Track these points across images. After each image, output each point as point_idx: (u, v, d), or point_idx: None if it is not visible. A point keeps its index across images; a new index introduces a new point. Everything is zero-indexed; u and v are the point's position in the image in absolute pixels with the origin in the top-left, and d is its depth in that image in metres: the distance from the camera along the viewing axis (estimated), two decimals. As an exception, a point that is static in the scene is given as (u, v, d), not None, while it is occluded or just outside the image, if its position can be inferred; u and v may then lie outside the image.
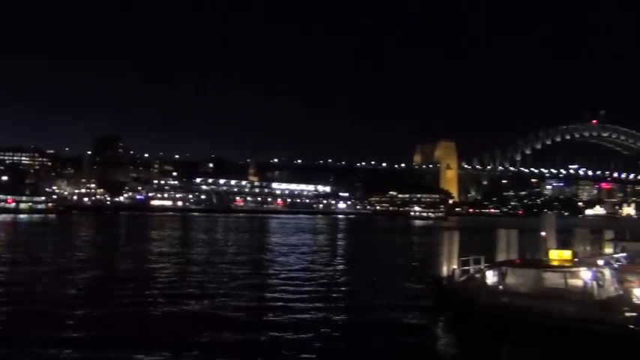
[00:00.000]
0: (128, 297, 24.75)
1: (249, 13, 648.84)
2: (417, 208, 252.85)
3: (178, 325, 19.61)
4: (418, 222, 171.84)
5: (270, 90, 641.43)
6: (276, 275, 33.69)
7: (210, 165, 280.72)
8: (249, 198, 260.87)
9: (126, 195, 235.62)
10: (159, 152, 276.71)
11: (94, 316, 20.85)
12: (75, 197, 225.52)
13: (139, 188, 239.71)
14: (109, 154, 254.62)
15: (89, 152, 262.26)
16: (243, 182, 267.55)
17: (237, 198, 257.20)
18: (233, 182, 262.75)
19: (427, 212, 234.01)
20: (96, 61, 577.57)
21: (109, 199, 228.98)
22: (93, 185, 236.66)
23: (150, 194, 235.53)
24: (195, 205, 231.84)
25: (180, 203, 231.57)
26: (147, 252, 47.53)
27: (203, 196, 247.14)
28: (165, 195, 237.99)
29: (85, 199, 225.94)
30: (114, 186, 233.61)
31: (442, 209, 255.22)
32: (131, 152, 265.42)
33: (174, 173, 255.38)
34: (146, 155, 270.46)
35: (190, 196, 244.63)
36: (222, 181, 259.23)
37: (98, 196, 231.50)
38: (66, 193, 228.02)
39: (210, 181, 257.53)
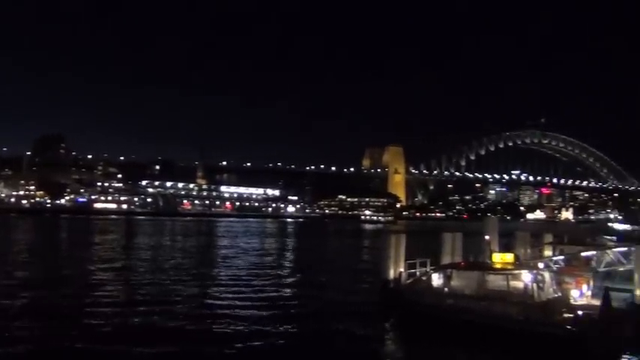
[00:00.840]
0: (66, 306, 23.71)
1: (195, 13, 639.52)
2: (367, 212, 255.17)
3: (120, 336, 18.94)
4: (368, 226, 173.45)
5: (219, 92, 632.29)
6: (223, 281, 33.18)
7: (157, 167, 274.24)
8: (196, 201, 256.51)
9: (67, 197, 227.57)
10: (103, 154, 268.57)
11: (29, 327, 19.76)
12: (13, 199, 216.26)
13: (82, 190, 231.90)
14: (50, 155, 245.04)
15: (29, 153, 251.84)
16: (191, 185, 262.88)
17: (185, 201, 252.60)
18: (180, 185, 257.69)
19: (377, 216, 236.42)
20: (37, 60, 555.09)
21: (49, 201, 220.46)
22: (32, 187, 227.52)
23: (93, 197, 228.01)
24: (140, 209, 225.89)
25: (124, 206, 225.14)
26: (87, 257, 45.81)
27: (149, 199, 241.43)
28: (109, 198, 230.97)
29: (24, 201, 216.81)
30: (55, 188, 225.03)
31: (391, 213, 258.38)
32: (73, 153, 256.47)
33: (119, 175, 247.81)
34: (89, 157, 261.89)
35: (136, 199, 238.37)
36: (169, 184, 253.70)
37: (38, 199, 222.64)
38: (3, 195, 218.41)
39: (156, 183, 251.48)
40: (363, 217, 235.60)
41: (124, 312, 22.72)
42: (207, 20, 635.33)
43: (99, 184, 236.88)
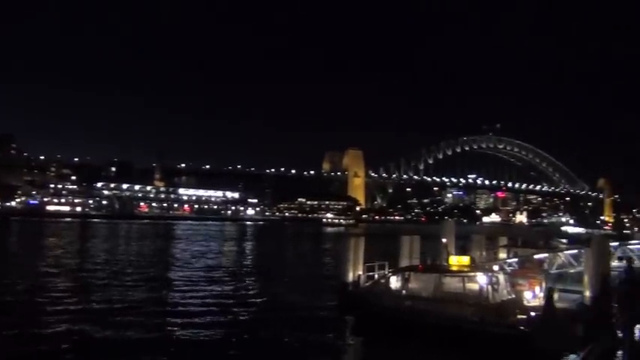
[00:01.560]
0: (10, 314, 22.75)
1: (154, 11, 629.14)
2: (329, 215, 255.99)
3: (68, 346, 18.16)
4: (330, 229, 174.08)
5: (178, 92, 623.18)
6: (178, 286, 32.51)
7: (113, 169, 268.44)
8: (154, 204, 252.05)
9: (19, 199, 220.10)
10: (56, 155, 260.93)
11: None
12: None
13: (34, 192, 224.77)
14: (0, 155, 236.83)
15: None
16: (148, 187, 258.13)
17: (142, 204, 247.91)
18: (137, 187, 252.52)
19: (339, 219, 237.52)
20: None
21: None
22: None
23: (46, 199, 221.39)
24: (95, 211, 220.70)
25: (79, 209, 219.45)
26: (37, 261, 44.21)
27: (104, 202, 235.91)
28: (63, 200, 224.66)
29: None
30: (5, 190, 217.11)
31: (351, 216, 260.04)
32: (25, 154, 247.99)
33: (73, 177, 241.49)
34: (42, 158, 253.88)
35: (91, 201, 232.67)
36: (125, 186, 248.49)
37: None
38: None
39: (112, 185, 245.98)
40: (324, 220, 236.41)
41: (74, 319, 21.92)
42: (164, 22, 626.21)
43: (52, 185, 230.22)
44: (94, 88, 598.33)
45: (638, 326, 17.56)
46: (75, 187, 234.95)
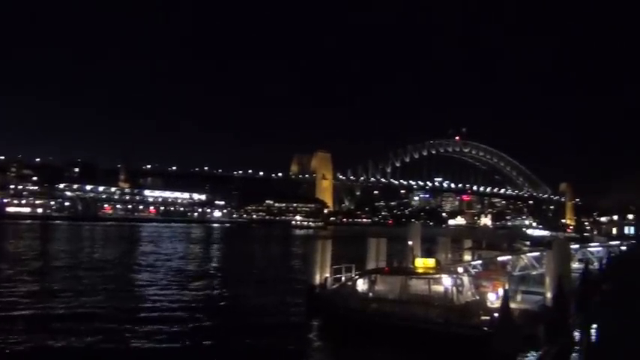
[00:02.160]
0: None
1: (122, 12, 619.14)
2: (298, 217, 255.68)
3: (23, 356, 17.54)
4: (298, 231, 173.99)
5: (144, 92, 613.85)
6: (141, 291, 31.70)
7: (76, 170, 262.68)
8: (118, 205, 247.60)
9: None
10: (17, 155, 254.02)
11: None
12: None
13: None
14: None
15: None
16: (113, 189, 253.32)
17: (106, 205, 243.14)
18: (101, 188, 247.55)
19: (308, 221, 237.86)
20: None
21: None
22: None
23: (5, 200, 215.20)
24: (58, 213, 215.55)
25: (40, 210, 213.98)
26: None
27: (67, 203, 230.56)
28: (24, 201, 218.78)
29: None
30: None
31: (320, 218, 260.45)
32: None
33: (35, 178, 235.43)
34: (2, 157, 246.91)
35: (52, 202, 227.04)
36: (88, 187, 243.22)
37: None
38: None
39: (75, 187, 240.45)
40: (294, 222, 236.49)
41: (31, 326, 21.18)
42: (130, 23, 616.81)
43: (12, 186, 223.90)
44: (56, 88, 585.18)
45: (593, 326, 18.08)
46: (36, 188, 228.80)
